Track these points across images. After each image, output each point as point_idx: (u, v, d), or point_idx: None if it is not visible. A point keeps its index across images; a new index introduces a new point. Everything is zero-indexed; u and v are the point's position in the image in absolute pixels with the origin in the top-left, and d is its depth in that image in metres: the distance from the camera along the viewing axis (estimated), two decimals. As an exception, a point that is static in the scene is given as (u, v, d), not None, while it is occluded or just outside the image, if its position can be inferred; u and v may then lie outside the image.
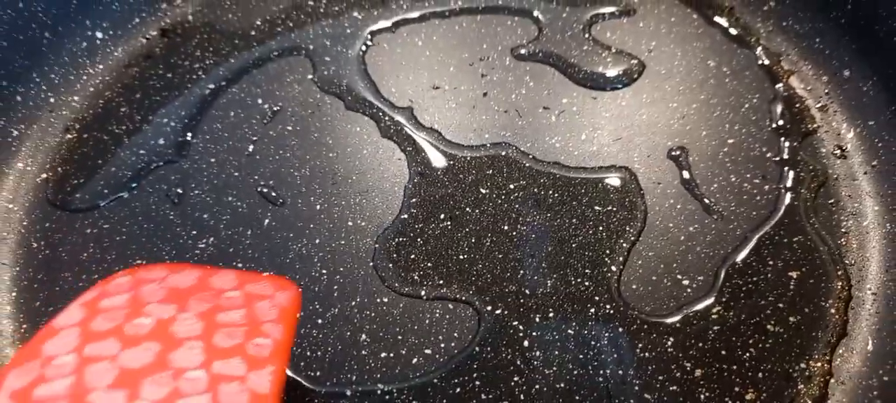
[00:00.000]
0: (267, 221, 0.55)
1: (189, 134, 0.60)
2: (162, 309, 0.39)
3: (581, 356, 0.49)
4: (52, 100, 0.63)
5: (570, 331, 0.50)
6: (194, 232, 0.55)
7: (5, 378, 0.35)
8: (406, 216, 0.55)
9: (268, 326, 0.39)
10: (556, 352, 0.49)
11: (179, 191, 0.57)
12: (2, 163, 0.59)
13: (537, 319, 0.51)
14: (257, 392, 0.36)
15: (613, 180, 0.57)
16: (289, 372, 0.49)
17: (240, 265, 0.53)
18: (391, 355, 0.49)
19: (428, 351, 0.50)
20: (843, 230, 0.55)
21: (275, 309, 0.40)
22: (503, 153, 0.59)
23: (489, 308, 0.51)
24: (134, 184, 0.58)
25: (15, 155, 0.60)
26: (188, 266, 0.44)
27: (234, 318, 0.39)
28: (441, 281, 0.52)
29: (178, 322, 0.38)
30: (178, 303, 0.39)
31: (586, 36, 0.66)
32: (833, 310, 0.51)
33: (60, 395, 0.34)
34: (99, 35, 0.66)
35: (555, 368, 0.49)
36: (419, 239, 0.54)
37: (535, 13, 0.67)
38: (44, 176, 0.59)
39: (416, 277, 0.52)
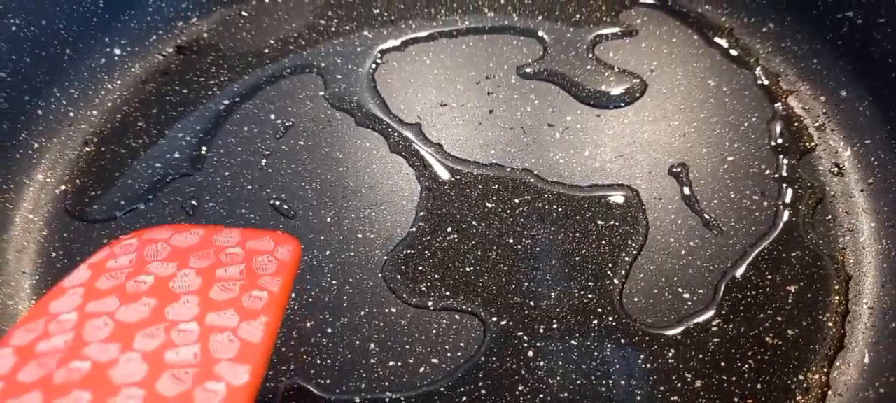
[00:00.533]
0: (279, 233, 0.57)
1: (204, 148, 0.62)
2: (163, 267, 0.40)
3: (584, 366, 0.50)
4: (71, 114, 0.65)
5: (573, 342, 0.51)
6: (208, 243, 0.57)
7: (12, 335, 0.36)
8: (414, 229, 0.57)
9: (265, 279, 0.40)
10: (560, 363, 0.51)
11: (194, 203, 0.59)
12: (22, 174, 0.61)
13: (541, 330, 0.52)
14: (248, 340, 0.36)
15: (616, 196, 0.59)
16: (299, 381, 0.50)
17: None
18: (399, 364, 0.51)
19: (435, 361, 0.51)
20: (840, 246, 0.56)
21: (274, 263, 0.41)
22: (508, 168, 0.60)
23: (494, 319, 0.52)
24: (150, 196, 0.60)
25: (35, 167, 0.62)
26: (193, 226, 0.45)
27: (232, 273, 0.40)
28: (448, 293, 0.54)
29: (176, 278, 0.39)
30: (179, 261, 0.41)
31: (590, 56, 0.67)
32: (831, 324, 0.52)
33: (60, 349, 0.35)
34: (117, 52, 0.68)
35: (558, 378, 0.50)
36: (427, 252, 0.56)
37: (540, 33, 0.69)
38: (63, 187, 0.61)
39: (423, 288, 0.54)
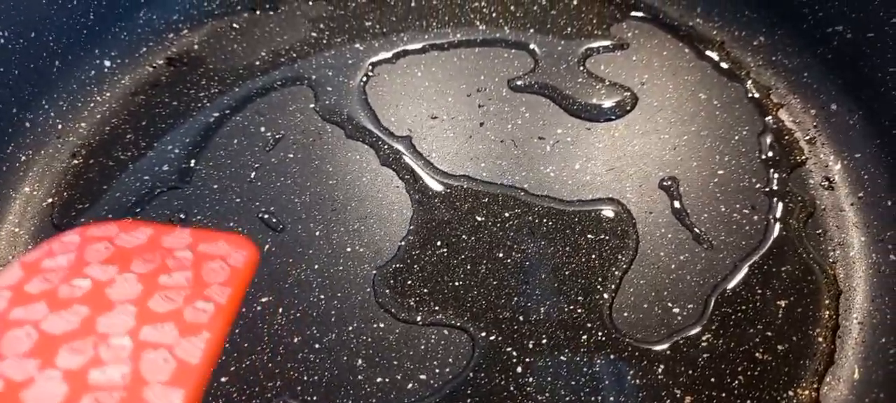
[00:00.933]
0: (267, 246, 0.57)
1: (193, 160, 0.62)
2: (102, 271, 0.36)
3: (573, 382, 0.50)
4: (59, 126, 0.64)
5: (562, 358, 0.51)
6: (196, 257, 0.56)
7: None
8: (403, 243, 0.57)
9: (213, 289, 0.37)
10: (549, 378, 0.50)
11: (182, 216, 0.59)
12: (9, 187, 0.61)
13: (531, 345, 0.52)
14: (185, 361, 0.33)
15: (606, 209, 0.58)
16: (285, 397, 0.50)
17: (240, 289, 0.54)
18: (387, 380, 0.50)
19: (423, 376, 0.51)
20: (830, 260, 0.56)
21: (225, 270, 0.38)
22: (499, 182, 0.60)
23: (483, 334, 0.52)
24: (138, 209, 0.59)
25: (22, 179, 0.61)
26: (143, 223, 0.41)
27: (178, 280, 0.37)
28: (437, 307, 0.53)
29: (115, 284, 0.36)
30: (121, 263, 0.37)
31: (581, 68, 0.67)
32: (821, 339, 0.52)
33: None
34: (107, 63, 0.68)
35: (547, 394, 0.50)
36: (416, 266, 0.55)
37: (532, 46, 0.69)
38: (50, 200, 0.61)
39: (412, 303, 0.54)
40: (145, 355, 0.33)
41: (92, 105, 0.66)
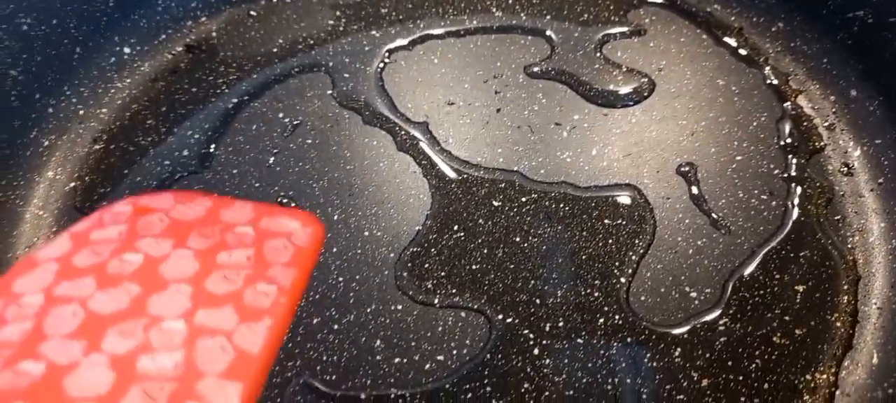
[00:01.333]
0: (286, 230, 0.57)
1: (212, 145, 0.63)
2: (156, 245, 0.33)
3: (590, 364, 0.50)
4: (81, 112, 0.65)
5: (579, 340, 0.51)
6: (216, 240, 0.57)
7: None
8: (420, 227, 0.57)
9: (276, 270, 0.33)
10: (566, 360, 0.50)
11: (202, 200, 0.59)
12: (33, 171, 0.62)
13: (547, 328, 0.52)
14: (244, 350, 0.30)
15: (623, 195, 0.58)
16: (305, 377, 0.50)
17: (259, 272, 0.55)
18: (405, 360, 0.51)
19: (440, 358, 0.51)
20: (849, 246, 0.56)
21: (289, 249, 0.34)
22: (516, 167, 0.60)
23: (500, 316, 0.52)
24: (159, 194, 0.60)
25: (46, 164, 0.62)
26: (201, 194, 0.37)
27: (238, 259, 0.33)
28: (454, 290, 0.54)
29: (170, 260, 0.32)
30: (177, 238, 0.34)
31: (598, 55, 0.67)
32: (839, 324, 0.52)
33: (12, 343, 0.29)
34: (127, 51, 0.69)
35: (564, 376, 0.50)
36: (433, 250, 0.56)
37: (548, 32, 0.69)
38: (72, 184, 0.61)
39: (429, 286, 0.54)
40: (201, 342, 0.29)
41: (113, 91, 0.67)
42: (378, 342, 0.52)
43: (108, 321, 0.30)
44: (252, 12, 0.73)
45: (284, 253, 0.34)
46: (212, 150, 0.62)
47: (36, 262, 0.32)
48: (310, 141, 0.63)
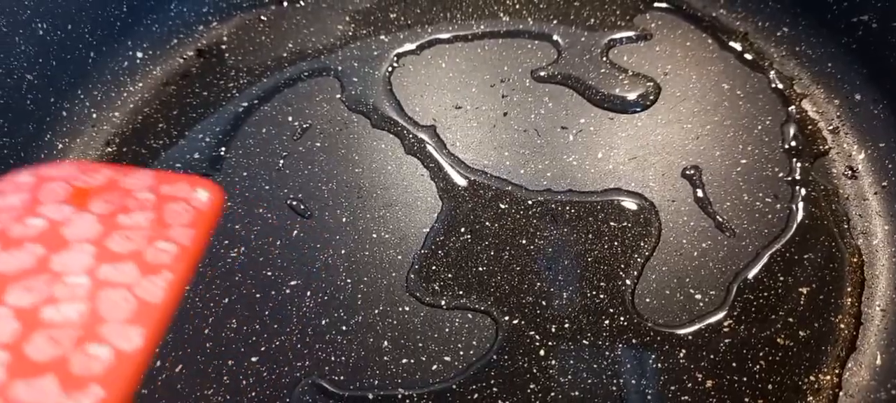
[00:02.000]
0: (295, 232, 0.58)
1: (223, 149, 0.64)
2: (58, 210, 0.34)
3: (595, 365, 0.51)
4: (94, 115, 0.66)
5: (585, 341, 0.52)
6: (226, 242, 0.58)
7: None
8: (428, 229, 0.58)
9: (176, 230, 0.35)
10: (572, 362, 0.51)
11: (213, 202, 0.60)
12: (47, 174, 0.63)
13: (553, 330, 0.52)
14: (145, 300, 0.32)
15: (628, 198, 0.59)
16: (313, 377, 0.51)
17: (269, 274, 0.56)
18: (412, 361, 0.52)
19: (447, 359, 0.52)
20: (853, 248, 0.56)
21: (189, 212, 0.36)
22: (522, 170, 0.61)
23: (507, 318, 0.53)
24: (170, 196, 0.61)
25: (59, 167, 0.63)
26: (102, 165, 0.39)
27: (138, 221, 0.35)
28: (461, 292, 0.54)
29: (72, 223, 0.34)
30: (78, 204, 0.35)
31: (604, 59, 0.68)
32: (842, 326, 0.52)
33: None
34: (139, 55, 0.70)
35: (570, 376, 0.50)
36: (440, 251, 0.57)
37: (555, 37, 0.70)
38: (86, 187, 0.62)
39: (437, 287, 0.55)
40: (104, 293, 0.31)
41: (125, 95, 0.68)
42: (385, 343, 0.52)
43: (12, 278, 0.31)
44: (262, 18, 0.74)
45: (184, 215, 0.36)
46: (222, 153, 0.63)
47: None
48: (319, 144, 0.63)
